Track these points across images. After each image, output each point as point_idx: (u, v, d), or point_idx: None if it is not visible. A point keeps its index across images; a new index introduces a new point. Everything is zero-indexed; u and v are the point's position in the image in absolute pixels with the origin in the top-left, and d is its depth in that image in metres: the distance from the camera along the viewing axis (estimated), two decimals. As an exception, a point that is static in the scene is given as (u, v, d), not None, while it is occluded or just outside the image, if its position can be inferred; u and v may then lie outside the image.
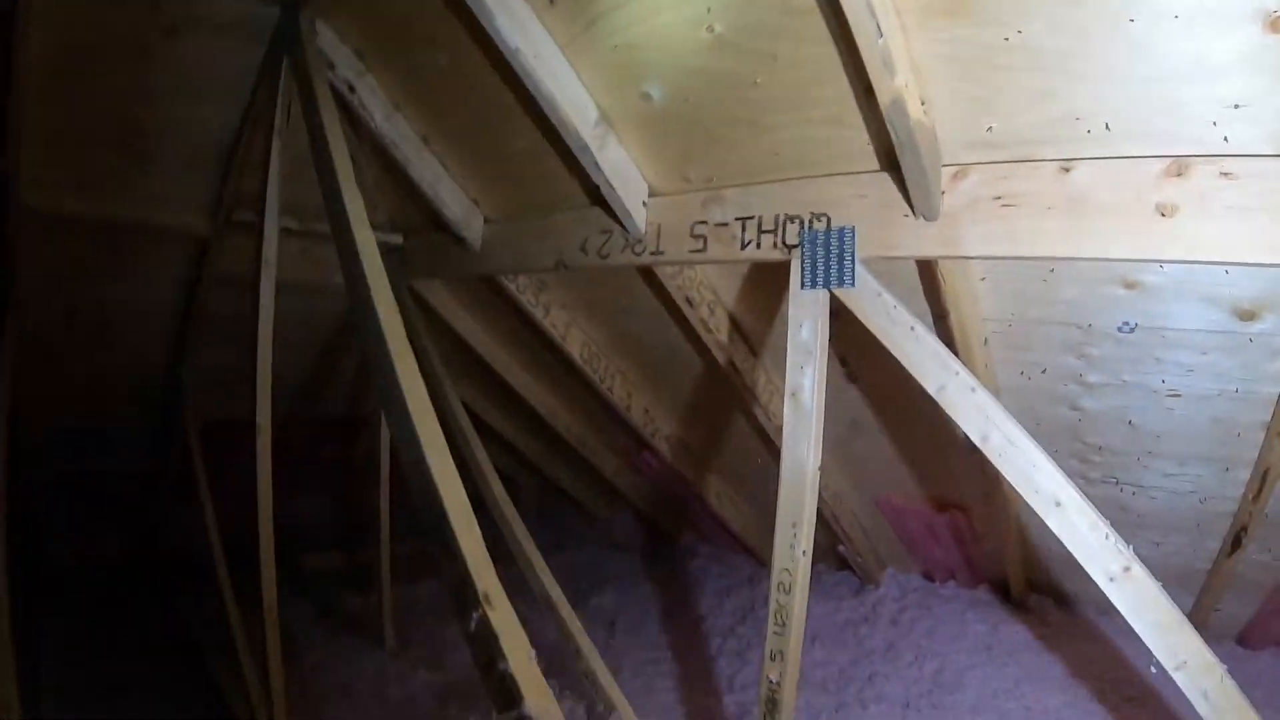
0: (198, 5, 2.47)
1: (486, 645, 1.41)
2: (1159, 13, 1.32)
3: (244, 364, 2.69)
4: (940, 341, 1.85)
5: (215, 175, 3.04)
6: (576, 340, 3.32)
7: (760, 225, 2.09)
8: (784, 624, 1.99)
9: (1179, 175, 1.47)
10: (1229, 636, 2.87)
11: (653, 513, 4.95)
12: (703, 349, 2.85)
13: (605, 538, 5.25)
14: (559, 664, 2.67)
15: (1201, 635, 1.59)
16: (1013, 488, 1.77)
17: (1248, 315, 1.83)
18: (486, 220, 3.04)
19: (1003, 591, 3.43)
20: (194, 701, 3.16)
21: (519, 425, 4.64)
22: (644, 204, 2.38)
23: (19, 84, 2.35)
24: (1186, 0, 1.29)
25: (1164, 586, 1.61)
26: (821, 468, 1.98)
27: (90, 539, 4.23)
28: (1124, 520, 2.60)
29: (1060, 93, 1.53)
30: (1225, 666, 1.57)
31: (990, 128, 1.65)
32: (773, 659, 2.01)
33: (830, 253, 1.92)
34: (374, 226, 2.12)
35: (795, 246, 1.99)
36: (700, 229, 2.23)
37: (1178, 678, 1.59)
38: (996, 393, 1.87)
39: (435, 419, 1.70)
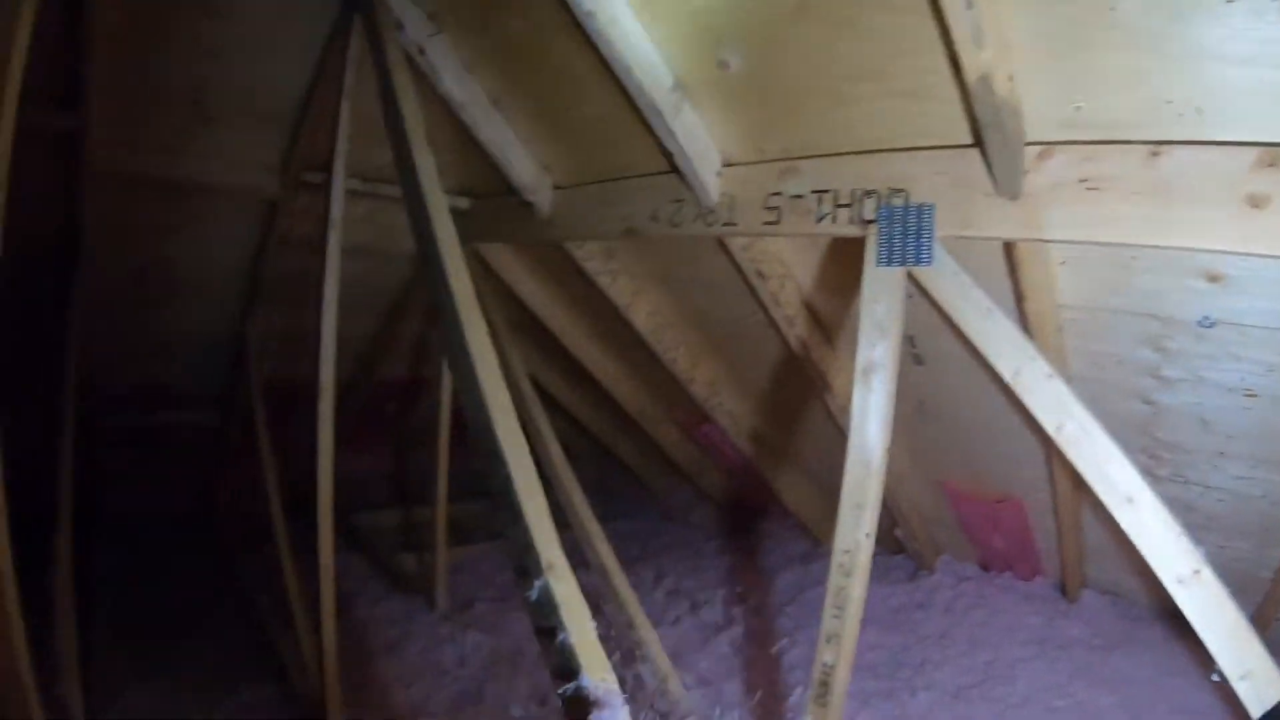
0: (269, -37, 2.47)
1: (547, 614, 1.42)
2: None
3: (308, 325, 2.71)
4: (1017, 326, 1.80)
5: (284, 136, 3.05)
6: (642, 309, 3.28)
7: (836, 199, 2.04)
8: (842, 607, 1.96)
9: (1271, 165, 1.40)
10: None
11: (708, 486, 4.93)
12: (771, 324, 2.80)
13: (659, 508, 5.24)
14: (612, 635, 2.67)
15: (1262, 646, 1.53)
16: (1080, 480, 1.72)
17: (1333, 316, 1.73)
18: (555, 186, 3.02)
19: (1059, 586, 3.35)
20: (245, 652, 3.24)
21: (578, 393, 4.64)
22: (717, 174, 2.34)
23: (91, 43, 2.37)
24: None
25: (1225, 592, 1.55)
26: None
27: (153, 491, 4.35)
28: (1190, 521, 2.45)
29: (1153, 73, 1.45)
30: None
31: (1079, 106, 1.59)
32: (829, 641, 1.99)
33: (908, 229, 1.88)
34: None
35: (872, 222, 1.94)
36: (775, 200, 2.19)
37: (1240, 687, 1.55)
38: (1068, 382, 1.80)
39: (503, 381, 1.71)
